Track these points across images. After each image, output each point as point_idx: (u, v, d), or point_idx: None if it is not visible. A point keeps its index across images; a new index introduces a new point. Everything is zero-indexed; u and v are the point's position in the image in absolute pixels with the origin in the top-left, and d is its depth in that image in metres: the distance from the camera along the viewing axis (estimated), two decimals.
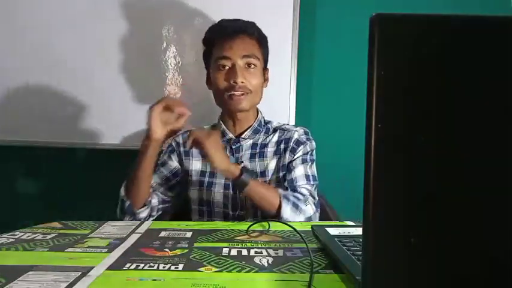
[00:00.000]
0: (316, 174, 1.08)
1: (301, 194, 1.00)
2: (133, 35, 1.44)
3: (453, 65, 0.33)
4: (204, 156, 0.95)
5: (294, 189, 1.02)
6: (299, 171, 1.05)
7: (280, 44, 1.41)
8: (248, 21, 1.07)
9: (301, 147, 1.07)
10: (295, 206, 0.95)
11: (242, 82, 1.01)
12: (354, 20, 1.45)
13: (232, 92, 1.01)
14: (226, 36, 1.03)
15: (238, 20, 1.07)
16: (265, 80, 1.12)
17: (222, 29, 1.05)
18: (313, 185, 1.05)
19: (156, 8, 1.42)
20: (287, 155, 1.07)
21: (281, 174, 1.06)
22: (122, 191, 0.98)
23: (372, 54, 0.32)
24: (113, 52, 1.43)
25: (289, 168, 1.06)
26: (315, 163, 1.10)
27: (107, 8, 1.42)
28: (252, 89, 1.03)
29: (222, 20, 1.08)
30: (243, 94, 1.02)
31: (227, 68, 1.03)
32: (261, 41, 1.08)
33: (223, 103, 1.06)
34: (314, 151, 1.11)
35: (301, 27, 1.44)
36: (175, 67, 1.44)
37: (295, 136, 1.09)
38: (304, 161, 1.07)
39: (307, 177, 1.05)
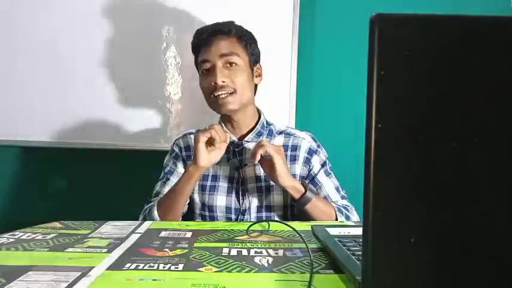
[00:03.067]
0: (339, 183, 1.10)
1: (346, 205, 1.03)
2: (134, 35, 1.43)
3: (453, 65, 0.33)
4: (266, 170, 0.97)
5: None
6: (328, 187, 1.06)
7: (280, 44, 1.41)
8: (226, 21, 1.06)
9: (315, 156, 1.07)
10: (347, 218, 0.99)
11: (223, 82, 0.99)
12: (354, 20, 1.45)
13: (216, 94, 1.01)
14: (204, 40, 1.03)
15: (217, 22, 1.07)
16: (258, 76, 1.10)
17: (201, 33, 1.05)
18: (345, 196, 1.08)
19: (156, 8, 1.42)
20: (299, 166, 1.06)
21: None
22: (156, 215, 0.98)
23: (372, 54, 0.32)
24: (113, 52, 1.43)
25: (314, 184, 1.06)
26: (333, 171, 1.11)
27: (107, 8, 1.42)
28: (236, 88, 1.01)
29: (200, 27, 1.08)
30: (226, 94, 1.00)
31: (209, 70, 1.02)
32: (242, 37, 1.05)
33: (212, 105, 1.05)
34: (328, 158, 1.10)
35: (301, 27, 1.44)
36: (175, 67, 1.44)
37: (305, 145, 1.08)
38: (327, 174, 1.07)
39: (337, 189, 1.07)
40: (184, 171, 0.99)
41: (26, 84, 1.44)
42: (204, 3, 1.42)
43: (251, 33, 1.09)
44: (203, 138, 0.93)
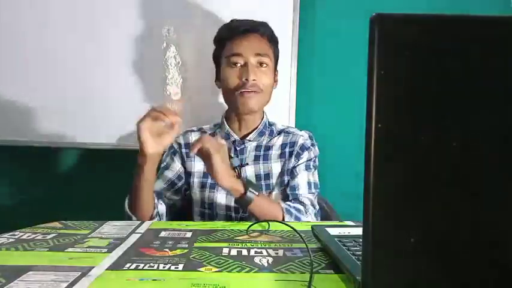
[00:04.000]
0: (318, 182, 1.08)
1: (303, 203, 1.01)
2: (134, 35, 1.43)
3: (453, 64, 0.33)
4: (206, 167, 0.90)
5: (295, 197, 1.03)
6: (302, 179, 1.05)
7: (280, 43, 1.40)
8: (260, 21, 1.07)
9: (306, 152, 1.08)
10: (298, 219, 0.96)
11: (254, 80, 1.00)
12: (354, 20, 1.45)
13: (243, 90, 1.00)
14: (239, 34, 1.03)
15: (250, 19, 1.07)
16: (275, 81, 1.11)
17: (234, 27, 1.05)
18: (314, 193, 1.06)
19: (156, 8, 1.42)
20: (292, 160, 1.07)
21: (286, 178, 1.05)
22: (126, 207, 0.94)
23: (372, 54, 0.32)
24: (112, 52, 1.43)
25: (292, 173, 1.05)
26: (317, 170, 1.10)
27: (107, 8, 1.42)
28: (263, 89, 1.02)
29: (233, 20, 1.08)
30: (253, 93, 1.01)
31: (239, 65, 1.02)
32: (273, 41, 1.07)
33: (233, 102, 1.04)
34: (317, 158, 1.11)
35: (301, 27, 1.44)
36: (175, 67, 1.44)
37: (300, 141, 1.09)
38: (307, 168, 1.07)
39: (309, 184, 1.05)
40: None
41: (26, 85, 1.44)
42: (204, 3, 1.42)
43: (278, 38, 1.10)
44: (144, 125, 0.84)
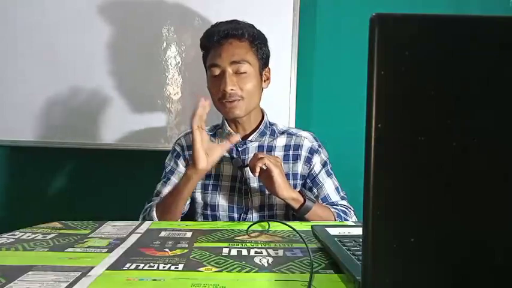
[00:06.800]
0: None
1: (345, 207, 1.04)
2: (134, 35, 1.43)
3: (453, 64, 0.33)
4: (265, 181, 0.95)
5: (332, 205, 1.04)
6: (329, 187, 1.06)
7: (280, 44, 1.40)
8: (240, 23, 1.03)
9: (316, 156, 1.08)
10: (346, 220, 1.00)
11: (232, 90, 0.98)
12: (354, 20, 1.45)
13: (224, 100, 1.00)
14: (215, 43, 1.00)
15: (232, 21, 1.04)
16: (266, 79, 1.09)
17: (212, 34, 1.02)
18: (344, 196, 1.08)
19: (156, 8, 1.42)
20: (300, 165, 1.07)
21: (291, 182, 1.05)
22: (154, 216, 0.97)
23: (372, 54, 0.32)
24: (112, 52, 1.43)
25: (315, 183, 1.06)
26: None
27: (107, 8, 1.42)
28: (245, 95, 1.00)
29: (215, 24, 1.06)
30: (234, 101, 1.00)
31: (218, 75, 1.01)
32: (254, 41, 1.03)
33: (219, 110, 1.05)
34: (328, 158, 1.11)
35: (301, 27, 1.44)
36: (175, 67, 1.44)
37: (306, 144, 1.08)
38: (328, 174, 1.08)
39: (337, 189, 1.07)
40: (183, 174, 0.97)
41: (26, 84, 1.44)
42: (204, 3, 1.42)
43: (262, 33, 1.07)
44: (198, 138, 0.90)
